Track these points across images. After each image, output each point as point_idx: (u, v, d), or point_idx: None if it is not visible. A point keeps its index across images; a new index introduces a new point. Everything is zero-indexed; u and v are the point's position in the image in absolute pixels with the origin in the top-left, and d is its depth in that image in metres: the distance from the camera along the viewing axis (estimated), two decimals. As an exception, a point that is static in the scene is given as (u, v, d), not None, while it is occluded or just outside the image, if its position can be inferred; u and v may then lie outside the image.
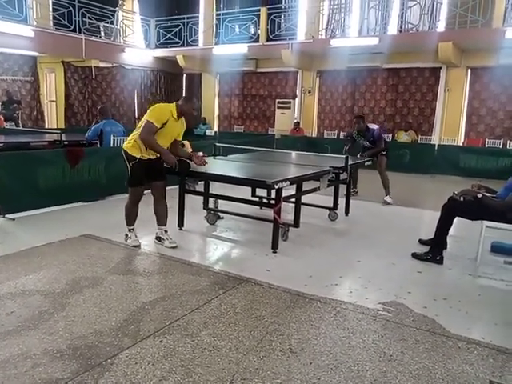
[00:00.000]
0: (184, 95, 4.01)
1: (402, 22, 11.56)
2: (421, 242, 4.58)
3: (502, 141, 10.75)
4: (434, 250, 4.09)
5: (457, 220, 4.06)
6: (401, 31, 11.57)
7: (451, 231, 4.15)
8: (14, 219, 4.96)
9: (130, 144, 4.04)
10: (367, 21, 11.98)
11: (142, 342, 2.51)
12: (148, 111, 4.02)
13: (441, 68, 11.34)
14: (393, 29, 11.74)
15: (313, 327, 2.77)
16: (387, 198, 6.73)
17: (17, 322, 2.69)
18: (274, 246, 4.21)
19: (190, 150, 7.74)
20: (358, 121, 6.82)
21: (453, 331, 2.78)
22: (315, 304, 3.11)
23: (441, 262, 4.04)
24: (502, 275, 3.83)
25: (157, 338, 2.55)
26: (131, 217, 4.24)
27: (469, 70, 11.21)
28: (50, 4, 12.35)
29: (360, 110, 12.65)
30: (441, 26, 11.05)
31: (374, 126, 6.91)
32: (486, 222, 3.82)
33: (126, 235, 4.30)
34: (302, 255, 4.21)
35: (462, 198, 3.91)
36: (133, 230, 4.30)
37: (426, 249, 4.21)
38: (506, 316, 3.08)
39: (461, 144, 11.28)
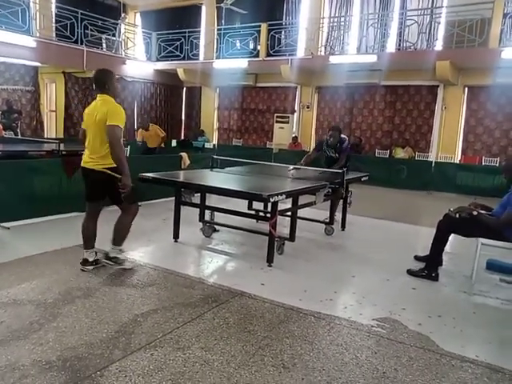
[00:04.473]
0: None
1: (400, 41, 11.74)
2: (416, 258, 4.57)
3: (498, 159, 10.81)
4: (430, 266, 4.08)
5: (452, 237, 4.07)
6: (399, 49, 11.74)
7: (447, 248, 4.16)
8: (8, 228, 4.93)
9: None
10: (366, 38, 12.15)
11: (132, 354, 2.48)
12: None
13: (438, 86, 11.45)
14: (391, 47, 11.91)
15: (306, 342, 2.74)
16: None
17: (6, 331, 2.66)
18: (270, 260, 4.19)
19: (187, 162, 7.78)
20: (335, 134, 5.76)
21: (447, 349, 2.76)
22: (309, 319, 3.09)
23: (436, 278, 4.02)
24: (497, 293, 3.82)
25: (148, 351, 2.52)
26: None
27: (466, 89, 11.31)
28: (53, 16, 12.51)
29: (358, 125, 12.76)
30: (438, 45, 11.22)
31: (344, 137, 5.96)
32: (481, 240, 3.82)
33: (119, 258, 3.92)
34: (297, 269, 4.19)
35: (457, 215, 3.92)
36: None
37: (421, 265, 4.20)
38: (501, 334, 3.07)
39: (457, 161, 11.34)
